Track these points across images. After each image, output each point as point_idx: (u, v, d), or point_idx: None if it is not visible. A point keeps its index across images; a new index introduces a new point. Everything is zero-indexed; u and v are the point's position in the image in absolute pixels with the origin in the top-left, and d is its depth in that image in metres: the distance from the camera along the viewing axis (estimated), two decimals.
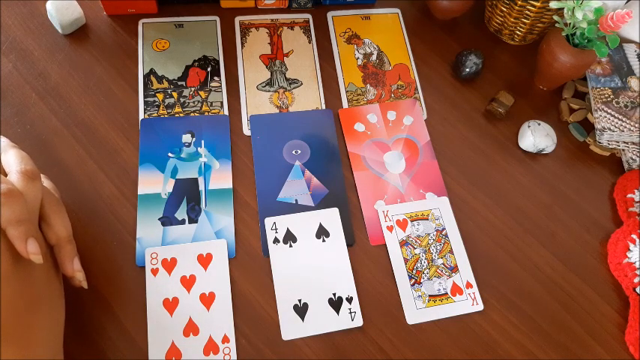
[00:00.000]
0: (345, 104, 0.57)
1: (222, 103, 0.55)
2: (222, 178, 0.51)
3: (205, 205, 0.49)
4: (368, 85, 0.59)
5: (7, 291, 0.33)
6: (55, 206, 0.38)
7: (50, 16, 0.56)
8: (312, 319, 0.45)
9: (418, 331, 0.46)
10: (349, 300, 0.46)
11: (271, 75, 0.58)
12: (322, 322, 0.45)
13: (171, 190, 0.50)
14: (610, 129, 0.56)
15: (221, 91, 0.56)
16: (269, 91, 0.57)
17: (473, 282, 0.49)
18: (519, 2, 0.57)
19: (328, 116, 0.56)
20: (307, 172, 0.52)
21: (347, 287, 0.47)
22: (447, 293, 0.48)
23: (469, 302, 0.48)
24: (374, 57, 0.61)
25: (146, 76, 0.55)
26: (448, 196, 0.53)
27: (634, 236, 0.51)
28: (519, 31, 0.62)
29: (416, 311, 0.47)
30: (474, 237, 0.51)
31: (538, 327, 0.48)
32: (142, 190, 0.49)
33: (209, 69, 0.57)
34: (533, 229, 0.52)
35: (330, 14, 0.63)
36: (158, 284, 0.45)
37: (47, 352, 0.36)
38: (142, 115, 0.53)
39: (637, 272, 0.50)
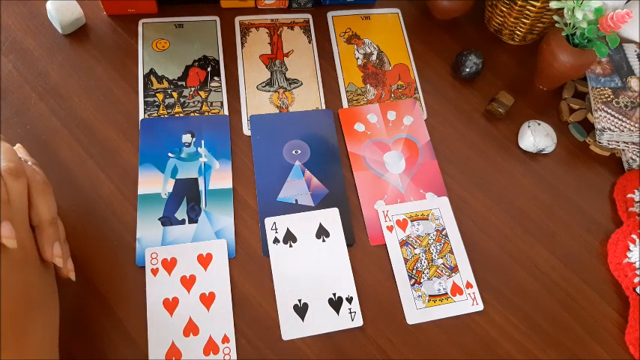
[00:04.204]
0: (345, 104, 0.57)
1: (222, 103, 0.55)
2: (222, 178, 0.51)
3: (205, 205, 0.49)
4: (368, 85, 0.59)
5: (3, 297, 0.33)
6: (40, 186, 0.38)
7: (50, 16, 0.56)
8: (312, 319, 0.45)
9: (418, 331, 0.46)
10: (349, 300, 0.46)
11: (271, 75, 0.58)
12: (322, 322, 0.45)
13: (171, 190, 0.50)
14: (610, 129, 0.56)
15: (221, 91, 0.56)
16: (269, 91, 0.57)
17: (473, 282, 0.49)
18: (519, 2, 0.57)
19: (328, 116, 0.56)
20: (307, 172, 0.52)
21: (347, 287, 0.47)
22: (447, 293, 0.48)
23: (469, 302, 0.48)
24: (374, 57, 0.61)
25: (146, 76, 0.55)
26: (448, 196, 0.53)
27: (634, 236, 0.51)
28: (519, 31, 0.62)
29: (416, 311, 0.47)
30: (474, 237, 0.51)
31: (538, 327, 0.48)
32: (142, 190, 0.49)
33: (209, 69, 0.57)
34: (533, 229, 0.52)
35: (330, 14, 0.63)
36: (158, 284, 0.45)
37: (42, 354, 0.36)
38: (142, 115, 0.53)
39: (637, 272, 0.50)
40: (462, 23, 0.65)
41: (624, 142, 0.56)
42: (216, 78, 0.56)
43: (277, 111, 0.56)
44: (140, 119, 0.53)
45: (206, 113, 0.54)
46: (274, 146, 0.53)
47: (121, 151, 0.51)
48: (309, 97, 0.57)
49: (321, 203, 0.51)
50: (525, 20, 0.59)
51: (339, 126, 0.56)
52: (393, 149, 0.55)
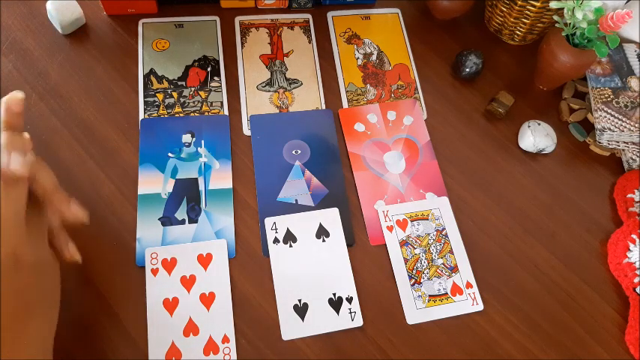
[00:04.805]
0: (345, 104, 0.57)
1: (222, 103, 0.55)
2: (222, 178, 0.51)
3: (205, 205, 0.49)
4: (368, 85, 0.59)
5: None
6: (36, 165, 0.38)
7: (50, 16, 0.56)
8: (312, 319, 0.45)
9: (418, 331, 0.46)
10: (349, 300, 0.46)
11: (271, 75, 0.58)
12: (322, 322, 0.45)
13: (171, 190, 0.50)
14: (610, 129, 0.56)
15: (221, 91, 0.56)
16: (269, 91, 0.57)
17: (473, 282, 0.49)
18: (519, 2, 0.57)
19: (328, 116, 0.56)
20: (307, 172, 0.52)
21: (347, 287, 0.47)
22: (447, 293, 0.48)
23: (469, 302, 0.48)
24: (374, 57, 0.61)
25: (146, 76, 0.55)
26: (448, 196, 0.53)
27: (634, 236, 0.51)
28: (519, 31, 0.62)
29: (416, 311, 0.47)
30: (474, 237, 0.51)
31: (538, 327, 0.48)
32: (142, 190, 0.49)
33: (209, 69, 0.57)
34: (533, 229, 0.52)
35: (330, 14, 0.63)
36: (158, 284, 0.45)
37: (36, 354, 0.35)
38: (142, 115, 0.53)
39: (637, 272, 0.50)
40: (462, 23, 0.65)
41: (624, 142, 0.56)
42: (216, 78, 0.56)
43: (277, 111, 0.56)
44: (140, 119, 0.53)
45: (206, 113, 0.54)
46: (274, 146, 0.53)
47: (121, 151, 0.51)
48: (309, 97, 0.57)
49: (321, 203, 0.51)
50: (525, 20, 0.59)
51: (339, 126, 0.56)
52: (393, 149, 0.55)
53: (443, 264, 0.49)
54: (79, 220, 0.41)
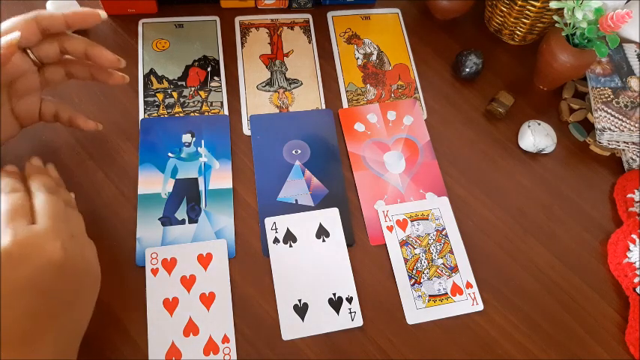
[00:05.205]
0: (345, 104, 0.57)
1: (222, 103, 0.55)
2: (222, 178, 0.51)
3: (205, 205, 0.49)
4: (368, 85, 0.59)
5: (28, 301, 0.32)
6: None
7: None
8: (312, 319, 0.45)
9: (418, 331, 0.46)
10: (349, 300, 0.46)
11: (271, 75, 0.58)
12: (322, 322, 0.45)
13: (171, 190, 0.50)
14: (610, 129, 0.56)
15: (221, 91, 0.56)
16: (269, 91, 0.57)
17: (473, 282, 0.49)
18: (519, 2, 0.57)
19: (328, 116, 0.56)
20: (307, 172, 0.52)
21: (347, 287, 0.47)
22: (447, 293, 0.48)
23: (469, 302, 0.48)
24: (374, 57, 0.61)
25: (146, 76, 0.55)
26: (448, 196, 0.53)
27: (634, 236, 0.51)
28: (519, 31, 0.62)
29: (416, 311, 0.47)
30: (474, 237, 0.51)
31: (538, 327, 0.48)
32: (142, 190, 0.49)
33: (209, 69, 0.57)
34: (533, 229, 0.52)
35: (330, 14, 0.63)
36: (158, 284, 0.45)
37: (59, 354, 0.35)
38: (142, 115, 0.53)
39: (637, 272, 0.50)
40: (462, 23, 0.65)
41: (624, 142, 0.56)
42: (216, 78, 0.56)
43: (277, 111, 0.56)
44: (140, 119, 0.53)
45: (206, 113, 0.54)
46: (274, 146, 0.53)
47: (121, 151, 0.51)
48: (309, 97, 0.57)
49: (321, 203, 0.51)
50: (525, 20, 0.59)
51: (339, 126, 0.56)
52: (393, 149, 0.55)
53: (443, 264, 0.49)
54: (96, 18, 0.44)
